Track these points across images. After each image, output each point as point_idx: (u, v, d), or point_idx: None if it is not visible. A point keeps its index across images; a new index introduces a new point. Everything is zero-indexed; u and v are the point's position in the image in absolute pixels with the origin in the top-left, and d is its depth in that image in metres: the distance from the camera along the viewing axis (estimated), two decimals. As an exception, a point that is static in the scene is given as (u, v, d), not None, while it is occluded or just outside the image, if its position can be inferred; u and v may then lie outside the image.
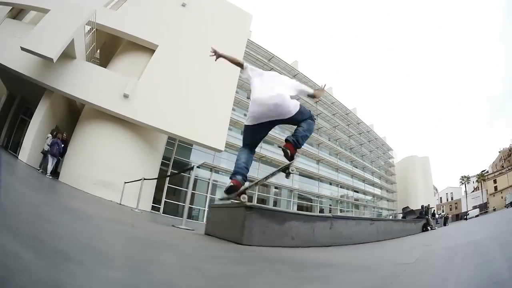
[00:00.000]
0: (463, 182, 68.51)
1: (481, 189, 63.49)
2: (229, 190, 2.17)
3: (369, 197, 34.05)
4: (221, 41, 10.33)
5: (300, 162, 21.37)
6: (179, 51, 9.91)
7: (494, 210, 46.45)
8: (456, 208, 68.58)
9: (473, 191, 71.98)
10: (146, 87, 8.81)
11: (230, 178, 2.22)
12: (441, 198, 76.35)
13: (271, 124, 2.31)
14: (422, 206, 14.65)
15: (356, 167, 31.30)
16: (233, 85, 11.64)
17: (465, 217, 33.83)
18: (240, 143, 12.22)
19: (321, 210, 25.40)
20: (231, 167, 12.07)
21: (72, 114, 10.23)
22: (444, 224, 19.16)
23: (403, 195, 44.22)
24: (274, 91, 2.21)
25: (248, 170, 2.30)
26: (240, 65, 2.54)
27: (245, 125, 2.38)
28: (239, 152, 2.43)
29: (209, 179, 14.21)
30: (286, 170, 2.37)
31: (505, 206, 37.88)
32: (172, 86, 9.44)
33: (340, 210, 26.71)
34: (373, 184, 34.32)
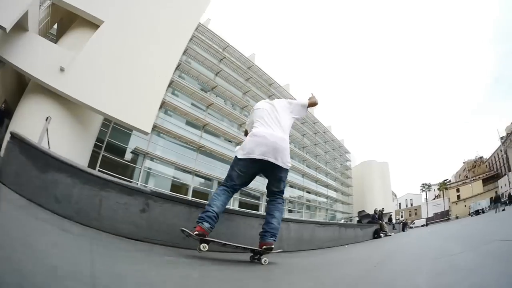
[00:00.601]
0: (424, 189, 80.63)
1: (443, 197, 76.22)
2: (191, 236, 2.19)
3: (322, 199, 38.45)
4: (168, 21, 12.25)
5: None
6: (123, 29, 11.19)
7: (457, 217, 56.43)
8: (416, 214, 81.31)
9: (434, 198, 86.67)
10: (84, 63, 9.88)
11: (197, 222, 2.24)
12: (400, 204, 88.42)
13: (261, 168, 2.56)
14: (375, 210, 15.22)
15: (309, 167, 35.75)
16: (172, 67, 13.53)
17: (406, 227, 39.69)
18: (177, 130, 15.23)
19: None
20: (167, 155, 14.41)
21: (22, 88, 10.93)
22: (403, 230, 21.02)
23: (360, 199, 49.71)
24: (279, 134, 2.58)
25: (218, 218, 2.34)
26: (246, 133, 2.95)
27: (239, 158, 2.50)
28: (218, 191, 2.46)
29: (141, 166, 15.83)
30: (257, 257, 2.52)
31: (469, 214, 47.24)
32: (111, 63, 10.63)
33: (289, 210, 29.98)
34: (326, 186, 39.04)
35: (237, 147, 2.64)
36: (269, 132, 2.55)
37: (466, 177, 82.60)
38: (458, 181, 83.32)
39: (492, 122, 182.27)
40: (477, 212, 41.47)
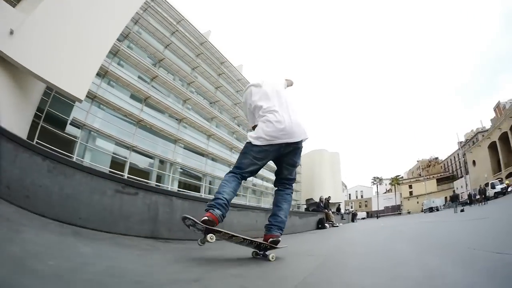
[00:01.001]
0: (375, 182, 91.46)
1: (395, 191, 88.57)
2: (201, 224, 2.13)
3: (269, 185, 40.39)
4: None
5: (187, 134, 25.20)
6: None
7: (409, 213, 65.97)
8: (366, 206, 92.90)
9: (385, 192, 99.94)
10: (32, 27, 10.28)
11: (206, 209, 2.25)
12: (350, 194, 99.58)
13: (278, 154, 2.72)
14: (320, 198, 15.64)
15: (257, 152, 38.06)
16: (114, 34, 14.44)
17: (356, 218, 44.81)
18: (119, 102, 17.22)
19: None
20: (106, 129, 15.62)
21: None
22: (352, 220, 22.85)
23: (309, 187, 53.62)
24: (293, 113, 2.73)
25: (229, 207, 2.38)
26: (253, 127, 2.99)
27: (255, 145, 2.60)
28: (227, 177, 2.53)
29: (78, 140, 15.99)
30: (261, 253, 2.57)
31: (422, 211, 56.06)
32: (57, 28, 11.12)
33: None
34: (272, 170, 41.46)
35: (250, 133, 2.73)
36: (286, 116, 2.67)
37: (420, 175, 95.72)
38: (411, 178, 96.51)
39: (450, 126, 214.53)
40: (430, 209, 47.76)
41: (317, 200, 16.27)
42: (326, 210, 14.21)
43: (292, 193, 3.01)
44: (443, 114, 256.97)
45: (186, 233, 2.88)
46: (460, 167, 79.79)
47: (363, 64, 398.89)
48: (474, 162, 61.67)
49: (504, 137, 47.99)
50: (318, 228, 11.38)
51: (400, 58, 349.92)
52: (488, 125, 69.35)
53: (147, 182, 18.67)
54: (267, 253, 2.53)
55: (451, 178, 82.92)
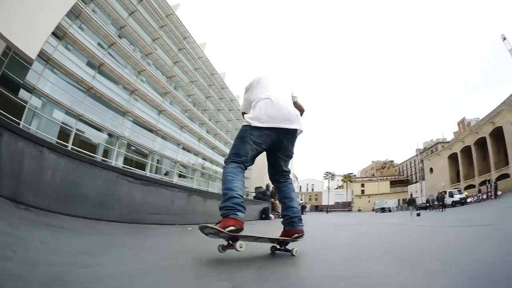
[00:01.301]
0: (327, 177, 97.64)
1: (347, 188, 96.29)
2: (227, 233, 2.09)
3: (218, 169, 41.95)
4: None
5: (138, 108, 25.61)
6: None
7: (359, 210, 74.67)
8: (316, 199, 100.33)
9: (337, 188, 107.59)
10: None
11: (227, 215, 2.17)
12: (300, 187, 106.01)
13: (274, 141, 2.64)
14: (267, 186, 15.42)
15: (208, 133, 40.24)
16: None
17: (305, 211, 46.91)
18: (73, 67, 19.29)
19: (166, 173, 30.34)
20: (57, 95, 16.42)
21: None
22: (302, 213, 26.14)
23: (260, 175, 49.13)
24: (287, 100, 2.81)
25: None
26: (243, 114, 3.00)
27: (255, 127, 2.53)
28: (232, 169, 2.45)
29: (27, 105, 15.87)
30: (283, 248, 2.66)
31: (373, 210, 61.30)
32: None
33: (180, 175, 32.88)
34: (224, 155, 40.91)
35: (247, 115, 2.66)
36: (286, 100, 2.74)
37: (373, 175, 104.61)
38: (364, 177, 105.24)
39: (409, 133, 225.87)
40: (382, 210, 52.66)
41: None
42: (273, 200, 13.87)
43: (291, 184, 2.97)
44: (404, 120, 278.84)
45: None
46: (416, 173, 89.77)
47: (326, 57, 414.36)
48: (431, 170, 67.39)
49: (466, 150, 52.97)
50: (261, 218, 11.00)
51: (367, 56, 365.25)
52: (449, 137, 79.38)
53: (93, 157, 19.06)
54: (288, 247, 2.61)
55: (406, 182, 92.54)
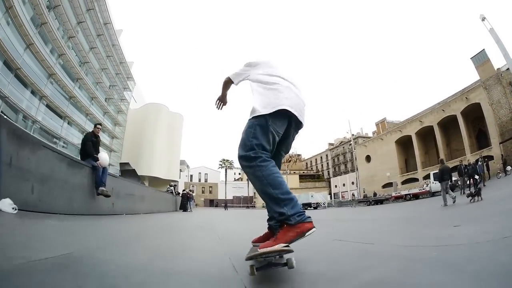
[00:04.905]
0: (223, 165, 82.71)
1: (248, 181, 77.59)
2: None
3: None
4: None
5: (49, 88, 25.34)
6: None
7: (263, 207, 65.63)
8: (210, 192, 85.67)
9: (236, 180, 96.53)
10: None
11: (302, 220, 1.92)
12: (192, 176, 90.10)
13: (287, 130, 2.32)
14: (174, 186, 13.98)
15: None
16: None
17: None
18: None
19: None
20: None
21: None
22: (182, 208, 21.82)
23: (134, 149, 48.29)
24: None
25: None
26: (228, 82, 2.75)
27: (275, 115, 2.15)
28: (272, 168, 2.09)
29: None
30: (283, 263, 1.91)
31: None
32: None
33: None
34: (86, 115, 37.16)
35: (255, 105, 2.22)
36: (290, 84, 2.37)
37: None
38: None
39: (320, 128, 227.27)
40: (308, 206, 41.97)
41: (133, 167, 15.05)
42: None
43: None
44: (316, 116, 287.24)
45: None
46: (328, 168, 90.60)
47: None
48: (368, 158, 60.33)
49: (423, 132, 47.36)
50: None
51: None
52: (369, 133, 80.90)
53: None
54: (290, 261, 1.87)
55: (317, 177, 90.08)
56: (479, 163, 18.65)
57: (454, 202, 10.87)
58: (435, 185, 26.23)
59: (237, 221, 11.76)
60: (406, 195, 32.36)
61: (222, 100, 2.99)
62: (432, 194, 27.66)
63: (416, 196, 30.23)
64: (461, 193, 16.39)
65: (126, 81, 47.24)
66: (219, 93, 2.94)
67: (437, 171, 13.27)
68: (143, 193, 13.81)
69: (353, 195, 41.73)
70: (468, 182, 17.22)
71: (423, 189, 31.11)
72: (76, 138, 30.67)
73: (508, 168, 24.38)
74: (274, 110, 2.11)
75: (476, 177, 16.38)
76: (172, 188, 26.07)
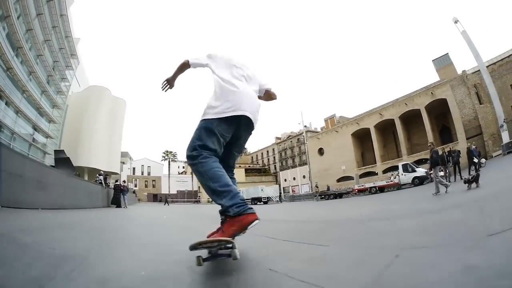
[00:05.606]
0: (166, 157, 78.50)
1: (192, 175, 74.47)
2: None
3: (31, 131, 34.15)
4: None
5: None
6: None
7: (209, 201, 62.77)
8: (154, 186, 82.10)
9: (180, 173, 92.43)
10: None
11: (244, 211, 2.01)
12: (134, 168, 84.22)
13: (237, 129, 2.39)
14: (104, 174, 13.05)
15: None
16: None
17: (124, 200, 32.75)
18: None
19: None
20: None
21: None
22: (114, 203, 19.41)
23: (72, 136, 43.87)
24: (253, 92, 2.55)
25: None
26: (186, 65, 2.72)
27: (220, 119, 2.27)
28: (213, 163, 2.20)
29: None
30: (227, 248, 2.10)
31: None
32: None
33: None
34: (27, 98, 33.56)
35: (208, 103, 2.37)
36: (255, 88, 2.60)
37: None
38: None
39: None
40: (257, 201, 39.71)
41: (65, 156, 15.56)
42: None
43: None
44: (263, 110, 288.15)
45: None
46: (275, 162, 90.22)
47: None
48: (321, 150, 57.98)
49: (382, 125, 46.94)
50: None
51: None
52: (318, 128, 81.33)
53: None
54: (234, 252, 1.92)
55: (263, 172, 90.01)
56: (473, 147, 18.08)
57: (446, 191, 9.90)
58: (405, 177, 27.10)
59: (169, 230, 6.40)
60: (371, 187, 31.14)
61: (169, 82, 2.91)
62: (399, 186, 27.46)
63: (381, 189, 29.35)
64: (448, 180, 14.92)
65: (70, 59, 42.05)
66: (170, 74, 2.88)
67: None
68: (44, 176, 10.07)
69: (316, 187, 38.15)
70: (455, 170, 17.11)
71: (391, 181, 30.34)
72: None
73: (483, 160, 24.04)
74: (222, 116, 2.25)
75: (475, 160, 16.06)
76: (101, 177, 20.92)
